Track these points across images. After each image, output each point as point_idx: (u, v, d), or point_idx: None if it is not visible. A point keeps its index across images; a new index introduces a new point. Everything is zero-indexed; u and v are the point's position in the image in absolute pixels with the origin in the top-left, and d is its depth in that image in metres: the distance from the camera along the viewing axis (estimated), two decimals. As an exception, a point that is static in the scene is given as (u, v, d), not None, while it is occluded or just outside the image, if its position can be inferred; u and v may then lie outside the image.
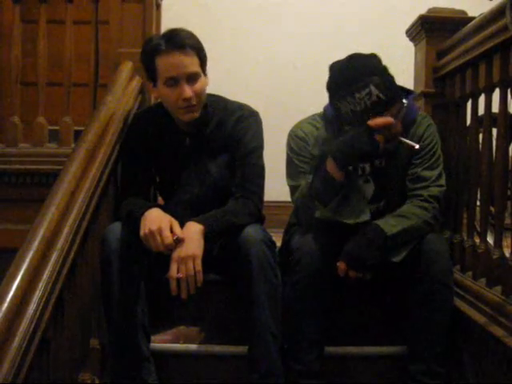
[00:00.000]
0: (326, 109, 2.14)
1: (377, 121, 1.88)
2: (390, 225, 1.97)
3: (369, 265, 1.94)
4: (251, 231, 1.92)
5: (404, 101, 2.04)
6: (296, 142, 2.13)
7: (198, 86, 2.01)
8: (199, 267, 1.84)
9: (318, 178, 1.98)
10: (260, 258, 1.88)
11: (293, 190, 2.11)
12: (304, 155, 2.10)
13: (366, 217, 1.98)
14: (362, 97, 1.89)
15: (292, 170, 2.13)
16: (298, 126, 2.17)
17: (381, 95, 1.89)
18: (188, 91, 1.99)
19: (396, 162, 2.08)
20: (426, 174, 2.06)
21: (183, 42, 1.99)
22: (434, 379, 1.95)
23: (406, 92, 2.10)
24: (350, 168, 1.98)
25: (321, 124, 2.14)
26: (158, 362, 2.06)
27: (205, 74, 2.05)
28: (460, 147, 2.16)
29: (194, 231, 1.87)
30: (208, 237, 1.90)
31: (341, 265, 1.95)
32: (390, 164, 2.07)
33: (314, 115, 2.19)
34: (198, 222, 1.90)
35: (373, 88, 1.89)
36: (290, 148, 2.14)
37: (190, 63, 2.00)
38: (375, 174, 2.06)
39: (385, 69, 1.96)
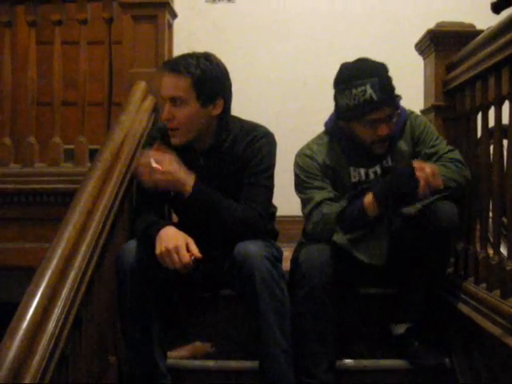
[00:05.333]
0: (325, 124, 2.22)
1: (422, 166, 1.93)
2: None
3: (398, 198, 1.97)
4: (252, 247, 1.93)
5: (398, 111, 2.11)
6: (303, 160, 2.18)
7: (179, 111, 2.01)
8: (186, 258, 1.86)
9: (351, 207, 2.03)
10: (263, 274, 1.89)
11: (304, 201, 2.14)
12: (312, 172, 2.15)
13: (381, 261, 2.01)
14: (358, 93, 2.01)
15: (300, 185, 2.17)
16: (306, 146, 2.23)
17: (374, 95, 2.00)
18: (166, 113, 2.03)
19: (402, 160, 2.13)
20: (434, 149, 2.13)
21: (177, 65, 2.01)
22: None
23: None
24: (389, 210, 2.01)
25: (327, 140, 2.20)
26: (175, 378, 2.08)
27: (203, 104, 2.02)
28: (471, 159, 2.17)
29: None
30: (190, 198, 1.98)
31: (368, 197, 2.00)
32: (398, 162, 2.12)
33: (318, 135, 2.25)
34: (194, 184, 1.98)
35: (368, 87, 2.00)
36: (297, 166, 2.19)
37: (176, 87, 2.01)
38: (385, 174, 2.10)
39: (387, 77, 2.06)
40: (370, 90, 2.00)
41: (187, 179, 1.98)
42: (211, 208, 1.99)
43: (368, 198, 2.00)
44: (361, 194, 2.04)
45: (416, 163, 1.96)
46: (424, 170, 1.92)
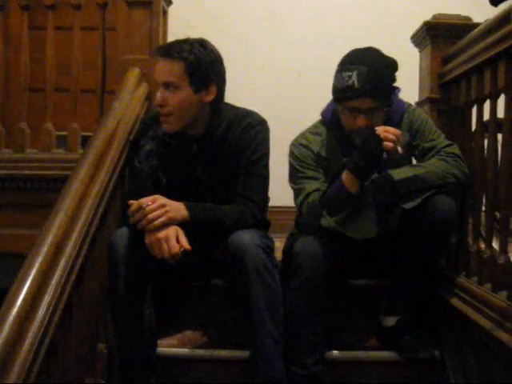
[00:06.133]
0: (322, 113, 2.22)
1: (388, 129, 1.95)
2: (400, 171, 1.99)
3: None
4: (246, 236, 1.92)
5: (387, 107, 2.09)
6: (299, 150, 2.17)
7: (172, 96, 2.00)
8: (175, 249, 1.86)
9: (332, 189, 2.02)
10: (256, 263, 1.88)
11: (297, 192, 2.13)
12: (306, 162, 2.14)
13: (372, 234, 2.01)
14: (345, 77, 2.01)
15: (294, 175, 2.17)
16: (301, 136, 2.22)
17: (356, 83, 1.99)
18: (158, 98, 2.02)
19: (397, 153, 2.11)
20: (433, 143, 2.11)
21: (170, 50, 2.00)
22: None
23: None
24: (366, 183, 2.01)
25: (323, 129, 2.19)
26: (165, 367, 2.08)
27: (196, 90, 2.01)
28: (465, 153, 2.16)
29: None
30: (191, 223, 1.93)
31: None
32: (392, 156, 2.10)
33: (313, 124, 2.25)
34: (187, 207, 1.94)
35: (355, 74, 1.99)
36: (292, 156, 2.18)
37: (169, 72, 2.00)
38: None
39: (383, 72, 2.03)
40: (354, 77, 1.99)
41: (178, 207, 1.94)
42: (211, 218, 1.98)
43: (345, 175, 1.99)
44: (338, 175, 2.03)
45: (380, 128, 1.96)
46: (383, 128, 1.96)
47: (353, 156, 1.98)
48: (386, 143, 1.92)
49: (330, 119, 2.17)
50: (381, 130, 1.95)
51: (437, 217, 1.94)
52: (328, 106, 2.20)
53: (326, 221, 2.01)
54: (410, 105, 2.22)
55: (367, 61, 2.02)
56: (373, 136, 1.93)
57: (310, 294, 1.96)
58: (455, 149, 2.10)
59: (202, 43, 2.04)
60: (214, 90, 2.04)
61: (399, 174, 1.98)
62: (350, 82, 1.99)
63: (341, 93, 2.02)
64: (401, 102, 2.17)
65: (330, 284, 2.00)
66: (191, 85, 2.01)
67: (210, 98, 2.04)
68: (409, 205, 1.96)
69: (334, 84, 2.07)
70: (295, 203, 2.15)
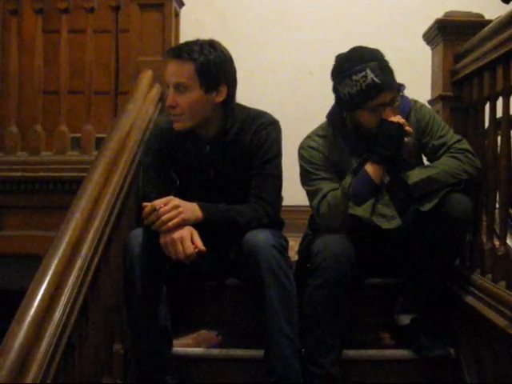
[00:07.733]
0: (328, 115, 2.21)
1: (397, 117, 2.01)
2: (413, 174, 2.02)
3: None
4: (261, 236, 1.93)
5: (401, 93, 2.10)
6: (308, 152, 2.17)
7: (183, 97, 2.01)
8: (190, 249, 1.88)
9: (357, 181, 2.04)
10: (270, 263, 1.89)
11: (312, 193, 2.13)
12: (317, 163, 2.15)
13: (398, 222, 2.02)
14: (358, 79, 2.00)
15: (306, 177, 2.17)
16: (308, 138, 2.22)
17: (375, 79, 1.99)
18: (169, 99, 2.03)
19: (406, 151, 2.11)
20: (443, 140, 2.11)
21: (180, 51, 2.01)
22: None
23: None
24: (387, 180, 2.05)
25: (329, 131, 2.19)
26: (180, 366, 2.09)
27: (206, 91, 2.02)
28: (478, 150, 2.16)
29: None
30: (204, 223, 1.94)
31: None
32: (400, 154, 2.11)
33: (320, 126, 2.24)
34: (201, 208, 1.95)
35: (369, 71, 1.99)
36: (303, 159, 2.18)
37: (180, 73, 2.01)
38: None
39: (385, 60, 2.05)
40: (371, 75, 1.98)
41: (192, 207, 1.96)
42: (224, 218, 1.99)
43: (370, 166, 2.03)
44: (360, 167, 2.06)
45: (393, 118, 2.01)
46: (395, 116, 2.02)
47: (375, 148, 2.02)
48: (407, 128, 1.99)
49: (337, 121, 2.16)
50: (394, 118, 1.99)
51: (454, 216, 1.95)
52: (333, 108, 2.19)
53: (357, 210, 2.02)
54: (416, 101, 2.21)
55: (368, 55, 2.03)
56: (392, 123, 1.98)
57: (330, 294, 1.96)
58: (465, 143, 2.10)
59: (212, 44, 2.05)
60: (224, 90, 2.05)
61: (412, 177, 2.00)
62: (369, 79, 1.98)
63: (362, 95, 2.00)
64: (406, 98, 2.17)
65: (350, 283, 2.00)
66: (201, 85, 2.01)
67: (220, 98, 2.05)
68: (425, 207, 1.97)
69: (345, 93, 2.04)
70: (311, 204, 2.14)
